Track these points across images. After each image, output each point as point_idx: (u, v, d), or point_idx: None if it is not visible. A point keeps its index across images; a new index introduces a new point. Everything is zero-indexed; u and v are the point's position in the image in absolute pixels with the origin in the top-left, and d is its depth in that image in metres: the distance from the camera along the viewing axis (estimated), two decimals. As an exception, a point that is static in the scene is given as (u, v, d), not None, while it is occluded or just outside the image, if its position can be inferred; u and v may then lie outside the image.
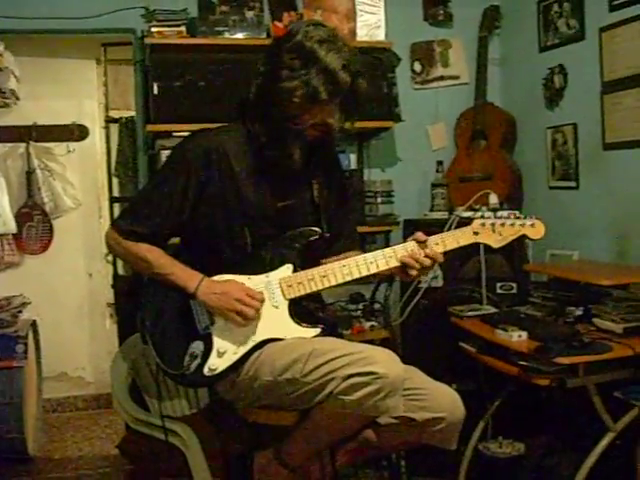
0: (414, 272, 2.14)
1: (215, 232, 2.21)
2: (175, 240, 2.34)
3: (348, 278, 2.16)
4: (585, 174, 3.40)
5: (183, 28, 3.40)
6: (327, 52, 2.04)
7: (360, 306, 3.64)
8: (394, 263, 2.15)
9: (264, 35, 3.49)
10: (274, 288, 2.17)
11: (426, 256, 2.13)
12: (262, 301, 2.14)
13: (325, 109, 2.08)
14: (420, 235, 2.15)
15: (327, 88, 2.03)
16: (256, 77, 2.17)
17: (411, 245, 2.15)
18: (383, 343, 3.24)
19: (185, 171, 2.17)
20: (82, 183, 4.80)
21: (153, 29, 3.38)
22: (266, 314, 2.16)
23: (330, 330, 2.22)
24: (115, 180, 4.80)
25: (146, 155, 3.66)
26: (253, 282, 2.17)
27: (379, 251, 2.17)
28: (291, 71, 2.05)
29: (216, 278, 2.17)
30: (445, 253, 2.17)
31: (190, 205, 2.19)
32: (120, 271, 4.62)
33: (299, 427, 2.17)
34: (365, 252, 2.21)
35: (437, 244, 2.16)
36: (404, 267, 2.15)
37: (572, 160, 3.46)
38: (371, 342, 2.77)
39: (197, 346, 2.13)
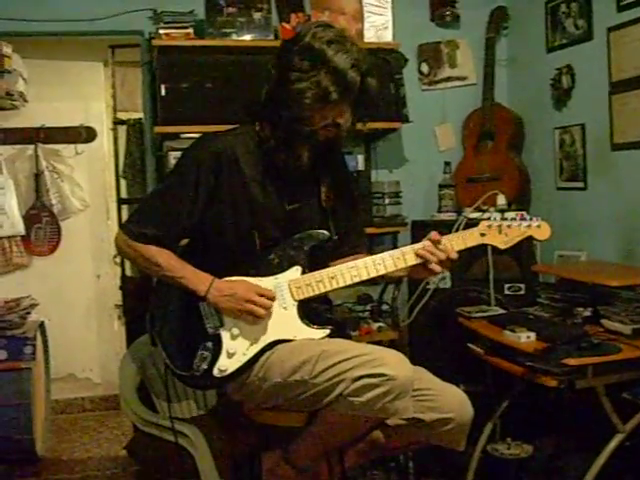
0: (433, 266, 2.13)
1: (224, 235, 2.21)
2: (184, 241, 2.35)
3: (356, 280, 2.17)
4: (593, 175, 3.39)
5: (191, 30, 3.41)
6: (336, 52, 2.04)
7: (368, 307, 3.64)
8: (402, 264, 2.16)
9: (272, 37, 3.49)
10: (283, 290, 2.17)
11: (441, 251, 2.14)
12: (273, 299, 2.15)
13: (336, 109, 2.09)
14: (434, 234, 2.16)
15: (337, 88, 2.03)
16: (267, 80, 2.16)
17: (425, 243, 2.16)
18: (391, 344, 3.25)
19: (195, 174, 2.17)
20: (90, 185, 4.80)
21: (161, 31, 3.39)
22: (275, 315, 2.16)
23: (339, 331, 2.23)
24: (123, 182, 4.81)
25: (154, 157, 3.68)
26: (263, 284, 2.17)
27: (387, 253, 2.18)
28: (301, 73, 2.05)
29: (226, 279, 2.17)
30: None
31: (200, 208, 2.19)
32: (128, 272, 4.64)
33: (308, 428, 2.17)
34: (373, 254, 2.22)
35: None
36: (423, 263, 2.15)
37: (580, 161, 3.46)
38: (379, 343, 2.77)
39: (206, 347, 2.14)
